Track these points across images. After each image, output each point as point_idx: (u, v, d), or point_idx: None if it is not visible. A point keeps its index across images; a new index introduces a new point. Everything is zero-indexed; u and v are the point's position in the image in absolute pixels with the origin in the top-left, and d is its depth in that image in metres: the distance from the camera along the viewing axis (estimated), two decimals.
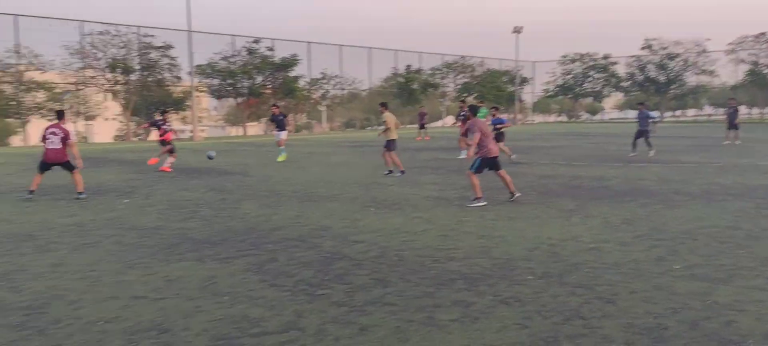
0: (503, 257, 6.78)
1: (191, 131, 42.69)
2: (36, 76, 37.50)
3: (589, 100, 76.39)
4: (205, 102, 70.17)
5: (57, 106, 42.10)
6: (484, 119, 26.19)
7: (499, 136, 17.02)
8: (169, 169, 17.12)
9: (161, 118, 17.77)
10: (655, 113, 20.58)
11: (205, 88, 47.19)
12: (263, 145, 29.94)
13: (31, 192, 11.85)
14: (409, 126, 62.37)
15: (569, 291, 5.51)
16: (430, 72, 61.64)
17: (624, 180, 13.68)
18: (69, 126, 12.12)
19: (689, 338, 4.38)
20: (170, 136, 17.43)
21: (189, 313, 5.06)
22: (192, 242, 7.84)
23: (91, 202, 11.47)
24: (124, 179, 15.49)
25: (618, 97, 79.08)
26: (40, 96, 37.49)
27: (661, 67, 66.19)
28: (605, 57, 70.15)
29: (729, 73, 65.67)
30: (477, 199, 10.49)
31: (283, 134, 20.87)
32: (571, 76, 71.42)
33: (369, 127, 66.76)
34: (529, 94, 73.68)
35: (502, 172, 10.84)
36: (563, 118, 78.47)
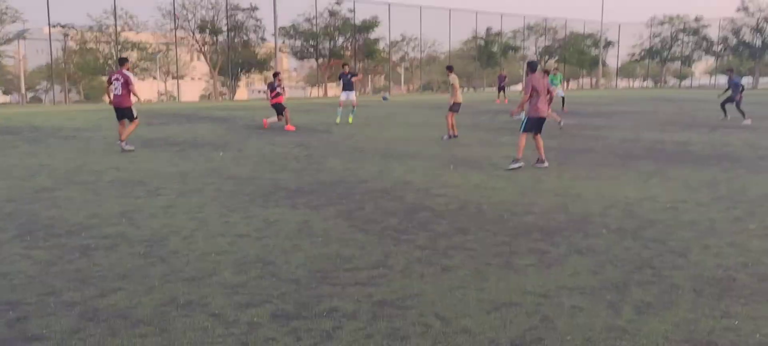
0: (579, 213, 7.06)
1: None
2: (131, 36, 39.59)
3: (677, 65, 73.26)
4: (286, 63, 71.97)
5: (149, 65, 44.43)
6: (557, 84, 25.59)
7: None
8: (293, 128, 17.64)
9: (274, 80, 18.19)
10: (738, 79, 19.87)
11: (287, 50, 48.38)
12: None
13: (121, 141, 12.78)
14: (488, 88, 61.85)
15: (642, 245, 5.76)
16: (510, 34, 60.71)
17: (708, 145, 13.47)
18: (131, 75, 12.87)
19: (756, 288, 4.59)
20: (282, 99, 18.02)
21: (288, 250, 5.65)
22: (285, 191, 8.49)
23: (191, 153, 12.39)
24: (218, 134, 16.46)
25: (709, 62, 75.45)
26: (134, 55, 39.57)
27: (758, 30, 62.54)
28: (696, 19, 66.87)
29: None
30: (516, 160, 10.28)
31: (351, 95, 19.44)
32: (659, 39, 68.62)
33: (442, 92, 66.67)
34: (613, 58, 71.38)
35: (538, 136, 10.48)
36: (649, 83, 75.63)
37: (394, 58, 54.98)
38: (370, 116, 23.02)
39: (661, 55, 68.93)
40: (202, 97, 61.12)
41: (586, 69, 66.11)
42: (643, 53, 69.11)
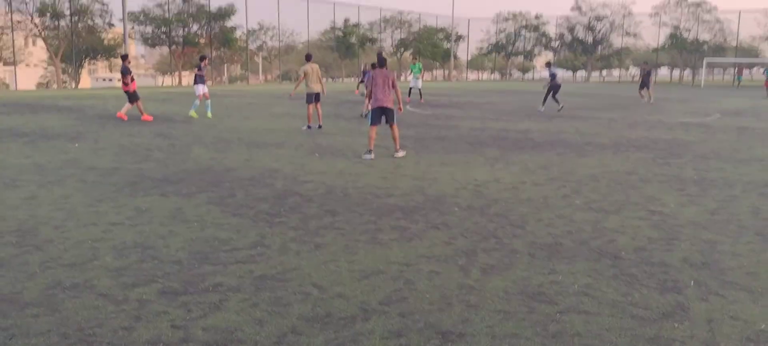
0: (435, 195, 7.82)
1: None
2: None
3: (521, 59, 78.68)
4: (134, 49, 68.54)
5: None
6: (417, 74, 27.38)
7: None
8: (150, 118, 17.16)
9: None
10: (554, 70, 23.29)
11: (137, 36, 46.30)
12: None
13: None
14: (346, 79, 62.85)
15: (488, 219, 6.60)
16: (368, 26, 62.11)
17: (546, 133, 15.01)
18: None
19: (578, 250, 5.52)
20: (134, 86, 17.28)
21: (165, 235, 5.86)
22: (152, 180, 8.54)
23: (41, 145, 11.87)
24: (68, 124, 15.74)
25: (548, 56, 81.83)
26: None
27: (590, 28, 68.86)
28: (537, 17, 72.36)
29: (652, 36, 68.93)
30: (369, 152, 10.70)
31: (200, 88, 18.05)
32: (505, 34, 73.36)
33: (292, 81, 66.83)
34: (464, 52, 75.28)
35: (393, 126, 10.84)
36: (496, 75, 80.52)
37: (252, 46, 54.36)
38: (230, 106, 22.91)
39: (507, 49, 73.72)
40: (40, 85, 56.82)
41: (439, 61, 69.15)
42: (490, 47, 73.51)
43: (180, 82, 49.26)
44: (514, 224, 6.43)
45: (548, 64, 24.29)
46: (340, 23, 58.61)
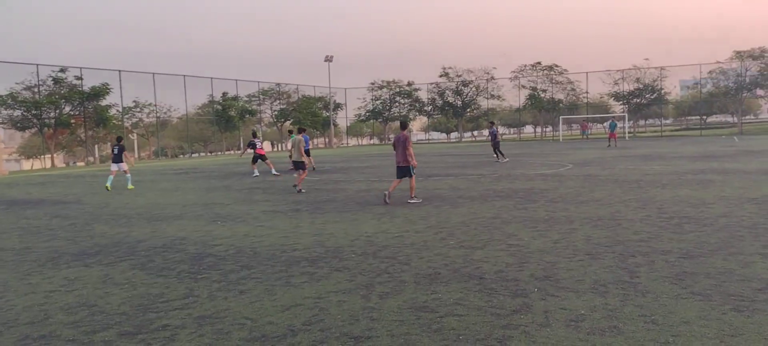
0: (333, 246, 9.08)
1: None
2: None
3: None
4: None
5: None
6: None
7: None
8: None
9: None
10: (495, 130, 31.14)
11: (5, 119, 44.45)
12: (82, 176, 29.67)
13: None
14: (227, 152, 63.04)
15: (380, 261, 7.93)
16: (246, 99, 63.03)
17: (424, 190, 16.73)
18: None
19: (452, 277, 6.96)
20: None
21: (102, 296, 6.69)
22: (69, 255, 9.18)
23: None
24: None
25: (423, 120, 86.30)
26: None
27: (457, 92, 73.73)
28: (409, 84, 76.43)
29: (514, 97, 74.91)
30: (386, 197, 13.91)
31: (122, 165, 21.32)
32: (380, 101, 76.79)
33: (182, 155, 66.25)
34: (342, 119, 77.81)
35: (412, 179, 14.16)
36: (375, 140, 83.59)
37: (128, 123, 53.57)
38: (117, 185, 23.06)
39: (383, 115, 77.03)
40: None
41: (319, 130, 71.05)
42: (368, 114, 76.51)
43: (53, 163, 47.56)
44: (401, 262, 7.80)
45: (491, 123, 32.04)
46: (217, 97, 59.18)
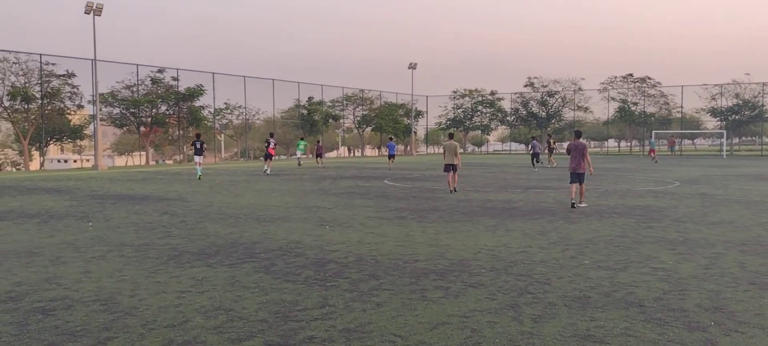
0: (456, 258, 8.61)
1: (91, 160, 41.96)
2: None
3: (477, 132, 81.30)
4: (100, 131, 68.19)
5: None
6: (303, 150, 35.59)
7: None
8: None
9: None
10: (535, 143, 37.72)
11: (105, 117, 46.46)
12: (177, 174, 30.45)
13: None
14: (309, 156, 63.77)
15: (515, 278, 7.40)
16: (330, 104, 63.63)
17: (528, 202, 16.03)
18: None
19: (606, 302, 6.35)
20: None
21: (235, 299, 6.46)
22: (189, 253, 9.10)
23: (57, 224, 12.25)
24: (66, 205, 16.06)
25: (502, 130, 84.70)
26: None
27: (542, 103, 71.95)
28: (492, 93, 75.25)
29: (601, 110, 72.42)
30: (572, 203, 14.79)
31: (200, 158, 26.75)
32: (462, 110, 75.94)
33: (263, 158, 67.39)
34: (422, 127, 77.40)
35: (582, 186, 15.07)
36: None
37: (218, 125, 55.03)
38: (214, 184, 23.42)
39: (464, 124, 76.13)
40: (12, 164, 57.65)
41: (401, 137, 70.92)
42: (448, 123, 75.78)
43: (148, 161, 49.35)
44: (539, 281, 7.24)
45: (533, 138, 40.67)
46: (303, 101, 60.01)
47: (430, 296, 6.59)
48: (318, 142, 41.45)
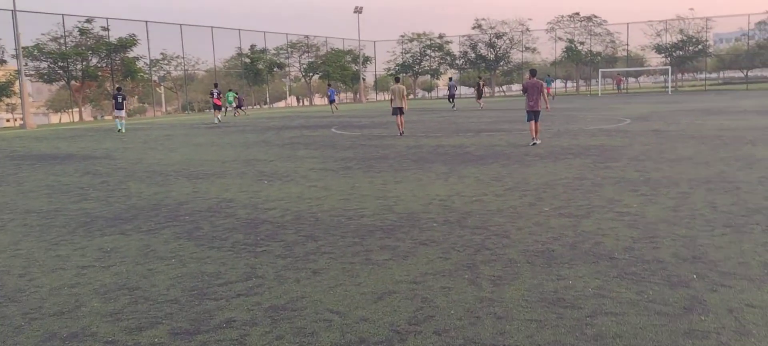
0: (405, 212, 7.77)
1: (21, 119, 39.47)
2: None
3: (427, 77, 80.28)
4: (27, 87, 64.47)
5: None
6: (231, 102, 35.62)
7: None
8: None
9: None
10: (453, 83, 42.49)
11: (32, 72, 43.56)
12: (111, 130, 28.70)
13: None
14: (255, 106, 61.94)
15: (470, 232, 6.61)
16: (275, 52, 61.50)
17: (480, 146, 15.32)
18: None
19: (572, 255, 5.62)
20: None
21: (145, 274, 5.48)
22: (102, 219, 8.01)
23: None
24: None
25: (453, 73, 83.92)
26: None
27: (491, 45, 71.29)
28: (440, 36, 74.10)
29: (549, 50, 72.21)
30: (533, 140, 15.17)
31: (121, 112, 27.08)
32: (410, 54, 74.68)
33: (209, 109, 65.27)
34: (371, 73, 75.97)
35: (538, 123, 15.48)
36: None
37: (156, 77, 52.52)
38: (148, 139, 22.01)
39: (413, 69, 74.99)
40: None
41: (349, 84, 69.41)
42: (397, 68, 74.48)
43: (81, 117, 46.79)
44: (497, 234, 6.47)
45: (450, 79, 43.03)
46: (246, 49, 57.77)
47: (376, 258, 5.74)
48: (236, 93, 42.67)
